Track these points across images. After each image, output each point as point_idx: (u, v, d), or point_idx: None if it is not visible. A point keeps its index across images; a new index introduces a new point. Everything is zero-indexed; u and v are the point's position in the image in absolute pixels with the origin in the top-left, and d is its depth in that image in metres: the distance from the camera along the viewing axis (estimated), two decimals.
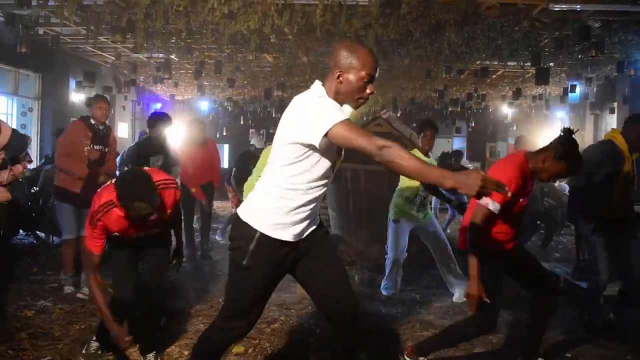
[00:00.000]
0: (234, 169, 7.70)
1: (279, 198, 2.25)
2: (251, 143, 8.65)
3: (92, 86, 10.53)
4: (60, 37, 8.98)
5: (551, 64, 9.48)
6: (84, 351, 3.32)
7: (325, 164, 2.23)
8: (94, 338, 3.34)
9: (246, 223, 2.30)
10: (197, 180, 6.16)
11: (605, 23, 7.07)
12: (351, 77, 2.22)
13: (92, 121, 4.80)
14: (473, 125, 17.28)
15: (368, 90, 2.25)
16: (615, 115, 10.65)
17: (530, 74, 10.39)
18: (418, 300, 5.13)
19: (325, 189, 2.33)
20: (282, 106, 15.18)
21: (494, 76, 11.06)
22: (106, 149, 4.86)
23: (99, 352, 3.33)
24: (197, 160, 6.12)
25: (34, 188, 6.91)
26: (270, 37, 7.83)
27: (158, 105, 15.40)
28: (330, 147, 2.16)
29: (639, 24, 7.04)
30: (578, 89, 11.18)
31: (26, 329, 3.78)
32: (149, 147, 5.47)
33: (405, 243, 5.01)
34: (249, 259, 2.27)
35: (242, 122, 16.99)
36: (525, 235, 6.80)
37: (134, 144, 6.34)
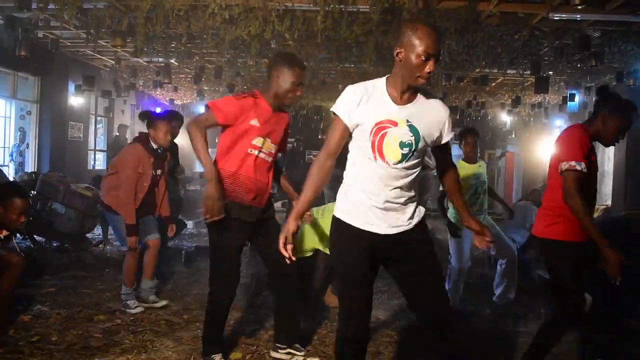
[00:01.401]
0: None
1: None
2: None
3: (91, 90, 10.52)
4: (60, 40, 8.99)
5: (550, 72, 9.49)
6: None
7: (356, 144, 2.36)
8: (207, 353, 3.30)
9: None
10: None
11: (605, 33, 7.09)
12: (409, 54, 2.21)
13: (153, 144, 4.57)
14: None
15: (427, 69, 2.22)
16: None
17: (529, 82, 10.40)
18: None
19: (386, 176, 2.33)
20: None
21: (494, 84, 11.07)
22: (161, 172, 4.70)
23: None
24: None
25: (32, 192, 6.89)
26: (270, 43, 7.82)
27: (157, 110, 15.39)
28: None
29: (639, 35, 7.05)
30: (577, 98, 11.20)
31: (23, 333, 3.76)
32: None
33: (469, 252, 4.96)
34: None
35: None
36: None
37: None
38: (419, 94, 2.36)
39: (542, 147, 14.47)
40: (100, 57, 10.35)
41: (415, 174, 2.40)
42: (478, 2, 6.01)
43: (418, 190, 2.47)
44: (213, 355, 3.27)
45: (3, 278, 3.61)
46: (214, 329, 3.31)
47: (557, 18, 6.42)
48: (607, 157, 11.07)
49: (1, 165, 8.71)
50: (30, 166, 10.14)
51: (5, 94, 9.70)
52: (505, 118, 15.87)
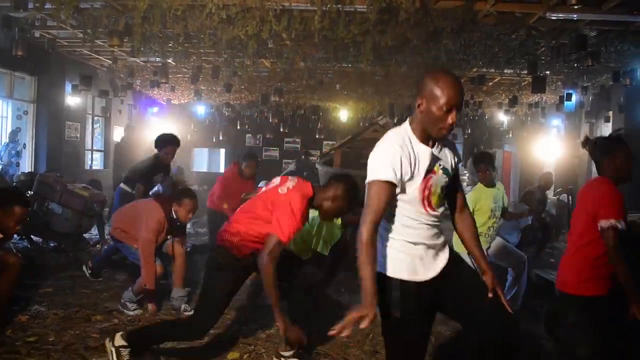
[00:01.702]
0: None
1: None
2: (259, 186, 8.98)
3: (88, 90, 10.50)
4: (57, 40, 8.97)
5: (547, 72, 9.51)
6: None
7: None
8: (118, 344, 3.28)
9: None
10: (224, 209, 6.12)
11: (602, 32, 7.10)
12: (431, 106, 2.17)
13: (174, 215, 4.61)
14: (469, 132, 17.32)
15: (449, 120, 2.16)
16: (610, 124, 10.69)
17: (526, 82, 10.41)
18: None
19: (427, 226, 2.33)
20: (278, 111, 15.22)
21: (491, 84, 11.09)
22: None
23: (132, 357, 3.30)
24: (236, 193, 6.04)
25: (29, 192, 6.87)
26: (268, 43, 7.82)
27: (154, 110, 15.38)
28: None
29: (635, 34, 7.07)
30: (574, 98, 11.22)
31: (20, 334, 3.75)
32: (156, 167, 5.90)
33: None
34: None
35: (238, 127, 16.97)
36: (523, 244, 6.80)
37: (142, 161, 6.38)
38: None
39: (539, 146, 14.52)
40: (97, 56, 10.34)
41: (446, 208, 2.45)
42: (475, 2, 6.02)
43: None
44: (123, 348, 3.28)
45: (1, 279, 3.60)
46: (158, 340, 3.38)
47: (554, 18, 6.44)
48: None
49: None
50: (27, 166, 10.12)
51: (1, 93, 9.68)
52: (502, 117, 15.90)
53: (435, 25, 6.49)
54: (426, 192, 2.25)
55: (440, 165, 2.30)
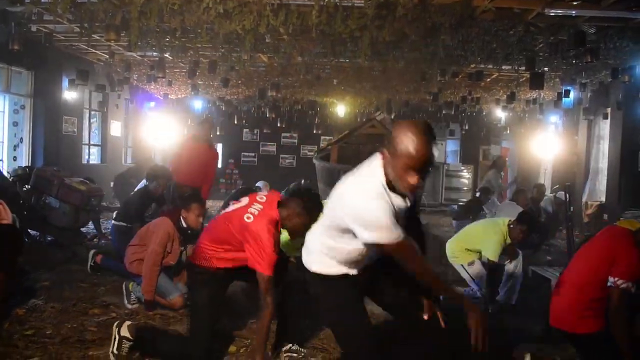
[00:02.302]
0: None
1: None
2: (257, 185, 9.36)
3: (85, 84, 10.47)
4: (54, 34, 8.92)
5: (546, 68, 9.50)
6: (115, 350, 3.26)
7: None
8: (125, 338, 3.28)
9: None
10: (189, 180, 6.17)
11: (601, 29, 7.09)
12: (395, 159, 2.11)
13: (183, 224, 4.54)
14: (467, 128, 17.31)
15: (410, 181, 2.11)
16: (608, 121, 10.69)
17: (524, 78, 10.40)
18: None
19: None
20: (276, 106, 15.19)
21: (489, 80, 11.08)
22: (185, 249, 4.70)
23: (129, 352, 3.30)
24: (193, 159, 6.15)
25: (26, 186, 6.86)
26: (265, 37, 7.80)
27: (151, 104, 15.34)
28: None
29: (634, 31, 7.06)
30: (572, 94, 11.21)
31: (18, 327, 3.75)
32: (148, 201, 5.93)
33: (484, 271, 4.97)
34: None
35: (235, 122, 16.94)
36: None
37: (133, 197, 6.27)
38: None
39: (537, 143, 14.51)
40: (94, 51, 10.30)
41: None
42: None
43: None
44: (126, 340, 3.29)
45: None
46: (157, 351, 3.37)
47: (553, 14, 6.43)
48: (602, 154, 11.12)
49: None
50: (25, 160, 10.09)
51: None
52: (500, 114, 15.89)
53: (433, 20, 6.47)
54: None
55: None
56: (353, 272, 2.47)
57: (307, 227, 3.10)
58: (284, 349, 3.48)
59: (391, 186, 2.20)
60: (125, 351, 3.24)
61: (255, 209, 3.18)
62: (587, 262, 2.99)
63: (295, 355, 3.48)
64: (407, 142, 2.06)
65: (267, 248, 3.05)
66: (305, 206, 3.14)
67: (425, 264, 2.30)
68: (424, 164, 2.09)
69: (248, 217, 3.14)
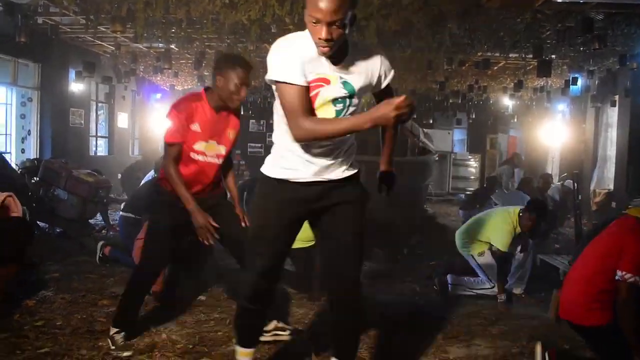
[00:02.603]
0: None
1: None
2: None
3: (91, 76, 10.50)
4: (60, 26, 8.94)
5: (553, 56, 9.43)
6: (112, 346, 3.29)
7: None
8: (114, 331, 3.33)
9: None
10: None
11: (608, 15, 7.03)
12: (307, 19, 2.03)
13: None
14: (474, 117, 17.24)
15: (321, 35, 1.99)
16: (616, 108, 10.62)
17: (531, 66, 10.34)
18: (417, 291, 5.14)
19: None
20: None
21: (496, 68, 11.01)
22: None
23: (127, 341, 3.35)
24: None
25: (34, 179, 6.91)
26: (271, 27, 7.77)
27: (158, 96, 15.36)
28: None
29: None
30: (580, 82, 11.14)
31: (28, 318, 3.79)
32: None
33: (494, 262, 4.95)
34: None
35: (242, 113, 16.91)
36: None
37: (141, 189, 6.24)
38: (350, 48, 2.19)
39: (545, 131, 14.45)
40: (100, 43, 10.31)
41: None
42: None
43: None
44: (115, 333, 3.33)
45: (2, 271, 3.61)
46: (129, 304, 3.40)
47: (560, 1, 6.36)
48: (610, 142, 11.05)
49: (3, 152, 8.70)
50: (33, 153, 10.15)
51: (5, 80, 9.67)
52: (507, 102, 15.82)
53: (439, 9, 6.43)
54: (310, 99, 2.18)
55: (341, 79, 2.18)
56: (292, 176, 2.32)
57: (236, 85, 3.05)
58: (269, 327, 3.42)
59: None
60: (121, 341, 3.31)
61: None
62: (595, 252, 2.95)
63: (281, 333, 3.44)
64: None
65: (173, 115, 3.08)
66: (227, 63, 3.09)
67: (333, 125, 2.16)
68: (322, 14, 1.95)
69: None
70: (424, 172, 8.86)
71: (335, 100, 2.21)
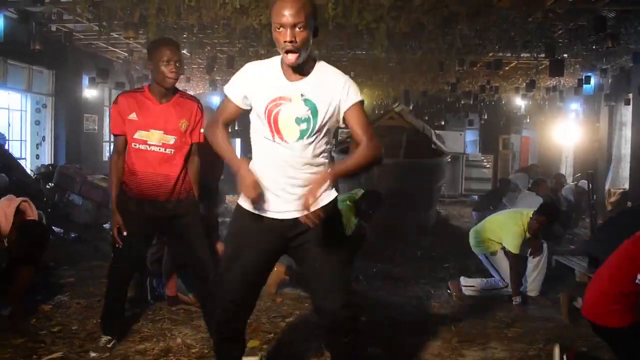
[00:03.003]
0: None
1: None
2: None
3: (105, 82, 10.59)
4: (73, 33, 9.03)
5: (565, 55, 9.38)
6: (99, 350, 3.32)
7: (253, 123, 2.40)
8: (104, 340, 3.36)
9: None
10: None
11: (621, 13, 6.97)
12: (273, 32, 2.18)
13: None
14: (486, 117, 17.16)
15: (285, 37, 2.11)
16: (630, 107, 10.52)
17: (544, 66, 10.28)
18: (431, 294, 5.12)
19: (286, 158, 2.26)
20: None
21: (507, 68, 10.96)
22: None
23: (109, 345, 3.34)
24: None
25: (49, 184, 6.98)
26: None
27: None
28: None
29: None
30: (593, 81, 11.06)
31: (44, 323, 3.82)
32: None
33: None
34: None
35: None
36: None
37: None
38: (314, 68, 2.28)
39: (558, 131, 14.35)
40: (113, 49, 10.40)
41: (322, 155, 2.31)
42: None
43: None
44: (106, 342, 3.35)
45: (19, 272, 3.65)
46: (108, 309, 3.40)
47: None
48: (624, 141, 10.95)
49: (19, 159, 8.80)
50: (47, 158, 10.25)
51: (20, 87, 9.78)
52: (519, 102, 15.73)
53: (450, 10, 6.41)
54: (271, 119, 2.25)
55: (302, 97, 2.23)
56: (261, 211, 2.32)
57: (162, 62, 3.11)
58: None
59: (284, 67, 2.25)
60: (110, 345, 3.33)
61: None
62: (619, 254, 2.90)
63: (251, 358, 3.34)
64: (272, 4, 2.18)
65: (112, 111, 3.19)
66: (151, 47, 3.22)
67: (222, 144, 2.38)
68: (283, 19, 2.11)
69: None
70: (437, 174, 8.82)
71: (298, 119, 2.23)
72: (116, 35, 8.50)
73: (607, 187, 10.89)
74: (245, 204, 2.34)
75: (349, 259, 2.39)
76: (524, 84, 12.30)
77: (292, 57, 2.14)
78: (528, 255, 4.99)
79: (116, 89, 12.05)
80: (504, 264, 4.84)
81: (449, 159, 10.78)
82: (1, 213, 3.51)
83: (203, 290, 3.31)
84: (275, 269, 5.01)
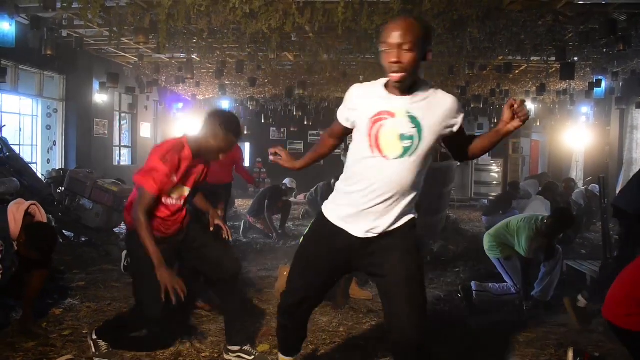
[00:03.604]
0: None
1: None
2: (283, 182, 9.52)
3: (115, 87, 10.66)
4: (84, 39, 9.11)
5: (576, 58, 9.33)
6: (96, 352, 3.27)
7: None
8: (94, 337, 3.29)
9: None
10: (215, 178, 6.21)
11: (632, 16, 6.93)
12: (381, 55, 2.19)
13: None
14: (496, 121, 17.06)
15: (391, 59, 2.13)
16: None
17: (554, 69, 10.24)
18: (442, 298, 5.09)
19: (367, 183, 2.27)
20: (302, 104, 15.22)
21: (517, 71, 10.92)
22: None
23: (110, 349, 3.31)
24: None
25: (60, 188, 7.02)
26: (291, 36, 7.82)
27: (180, 105, 15.53)
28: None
29: None
30: (603, 84, 10.99)
31: (55, 327, 3.84)
32: None
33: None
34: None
35: (263, 121, 17.03)
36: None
37: None
38: (422, 90, 2.25)
39: (568, 134, 14.27)
40: (123, 54, 10.47)
41: (418, 176, 2.28)
42: None
43: (420, 191, 2.37)
44: (101, 340, 3.29)
45: (32, 276, 3.66)
46: (121, 337, 3.35)
47: (582, 2, 6.32)
48: (636, 144, 10.87)
49: (31, 163, 8.87)
50: (58, 163, 10.32)
51: (31, 92, 9.87)
52: (529, 106, 15.62)
53: (460, 13, 6.41)
54: (372, 134, 2.23)
55: (408, 113, 2.20)
56: (346, 227, 2.38)
57: (221, 149, 3.04)
58: (234, 348, 3.38)
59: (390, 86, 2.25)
60: (105, 349, 3.28)
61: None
62: None
63: (245, 356, 3.36)
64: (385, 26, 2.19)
65: (159, 166, 2.92)
66: (222, 124, 3.02)
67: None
68: (391, 39, 2.13)
69: (155, 145, 3.20)
70: (446, 178, 8.78)
71: (402, 136, 2.20)
72: (126, 41, 8.56)
73: (618, 190, 10.81)
74: (329, 213, 2.43)
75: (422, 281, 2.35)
76: (534, 87, 12.24)
77: (396, 77, 2.15)
78: (542, 260, 4.94)
79: (126, 93, 12.15)
80: (516, 269, 4.80)
81: (459, 163, 10.74)
82: (11, 217, 3.52)
83: (223, 288, 3.35)
84: (285, 273, 5.05)
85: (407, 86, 2.20)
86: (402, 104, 2.21)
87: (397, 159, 2.21)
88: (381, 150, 2.21)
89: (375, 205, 2.26)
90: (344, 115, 2.39)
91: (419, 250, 2.41)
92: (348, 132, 2.43)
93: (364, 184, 2.26)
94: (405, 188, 2.26)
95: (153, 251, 2.86)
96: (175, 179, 3.01)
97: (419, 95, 2.23)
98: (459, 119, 2.30)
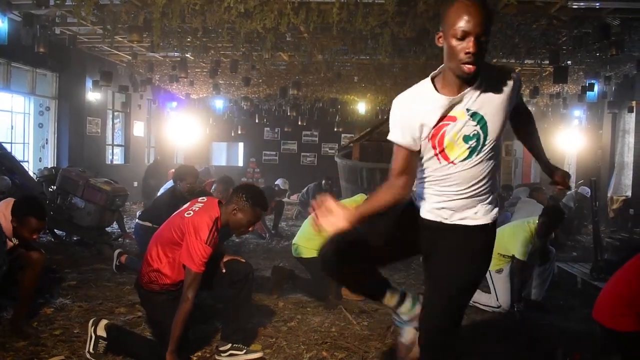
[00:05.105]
0: None
1: None
2: (275, 183, 9.49)
3: (108, 85, 10.62)
4: (77, 36, 9.06)
5: (569, 62, 9.38)
6: (91, 350, 3.25)
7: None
8: (101, 337, 3.28)
9: None
10: None
11: (625, 21, 6.97)
12: (447, 37, 1.90)
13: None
14: None
15: (465, 49, 1.86)
16: (633, 114, 10.51)
17: (547, 72, 10.28)
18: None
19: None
20: (296, 104, 15.22)
21: None
22: None
23: (106, 352, 3.29)
24: None
25: (52, 187, 6.98)
26: (286, 36, 7.82)
27: (173, 104, 15.49)
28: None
29: None
30: (596, 88, 11.05)
31: (46, 326, 3.81)
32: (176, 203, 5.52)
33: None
34: None
35: (257, 121, 17.03)
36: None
37: (160, 197, 6.09)
38: (477, 76, 1.99)
39: (561, 138, 14.33)
40: (116, 52, 10.43)
41: (490, 167, 2.12)
42: None
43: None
44: (102, 340, 3.31)
45: (25, 274, 3.64)
46: (128, 351, 3.35)
47: (576, 6, 6.34)
48: (627, 148, 10.93)
49: (22, 161, 8.82)
50: (50, 161, 10.27)
51: (24, 90, 9.81)
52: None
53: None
54: (436, 144, 2.05)
55: (469, 111, 2.00)
56: (433, 218, 2.28)
57: (249, 222, 3.21)
58: (225, 347, 3.41)
59: (448, 80, 2.02)
60: (101, 350, 3.26)
61: (196, 207, 3.25)
62: (637, 259, 2.87)
63: (238, 353, 3.39)
64: (449, 7, 1.92)
65: (201, 242, 3.05)
66: (247, 199, 3.19)
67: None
68: (468, 25, 1.85)
69: (188, 214, 3.20)
70: None
71: (466, 138, 2.04)
72: (120, 39, 8.53)
73: (609, 194, 10.88)
74: (423, 211, 2.24)
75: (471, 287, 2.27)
76: (528, 90, 12.29)
77: (469, 69, 1.90)
78: (538, 265, 4.94)
79: (119, 92, 12.10)
80: (504, 286, 4.76)
81: None
82: (0, 215, 3.51)
83: (235, 289, 3.43)
84: (279, 271, 5.05)
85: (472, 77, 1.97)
86: (460, 103, 2.01)
87: (463, 161, 2.07)
88: (447, 156, 2.07)
89: (457, 199, 2.15)
90: (409, 136, 2.07)
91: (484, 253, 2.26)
92: (419, 153, 2.13)
93: (437, 189, 2.17)
94: (477, 185, 2.12)
95: (177, 336, 3.00)
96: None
97: (477, 84, 2.01)
98: (519, 93, 2.16)
